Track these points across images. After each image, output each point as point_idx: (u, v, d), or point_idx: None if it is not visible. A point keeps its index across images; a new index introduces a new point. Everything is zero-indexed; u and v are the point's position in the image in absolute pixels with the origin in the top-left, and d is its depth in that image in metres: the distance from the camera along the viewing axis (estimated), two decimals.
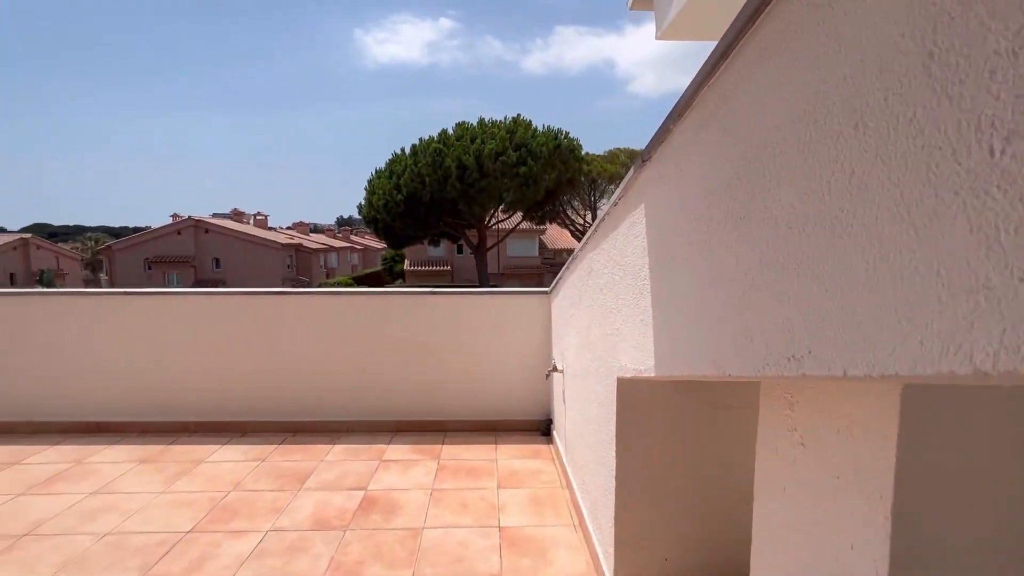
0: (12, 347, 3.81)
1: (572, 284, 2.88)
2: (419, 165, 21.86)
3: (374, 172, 23.78)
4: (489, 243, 25.89)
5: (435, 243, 27.45)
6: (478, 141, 21.71)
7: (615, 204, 1.92)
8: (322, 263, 42.29)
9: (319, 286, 33.68)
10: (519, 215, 25.86)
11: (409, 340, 3.87)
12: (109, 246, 39.01)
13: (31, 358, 3.81)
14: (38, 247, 40.38)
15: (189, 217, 37.21)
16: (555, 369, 3.27)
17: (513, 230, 27.59)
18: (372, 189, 23.55)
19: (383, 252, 46.44)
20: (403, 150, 23.15)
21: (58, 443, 3.57)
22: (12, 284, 36.54)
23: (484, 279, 26.23)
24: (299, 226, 50.90)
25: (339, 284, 33.26)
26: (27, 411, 3.81)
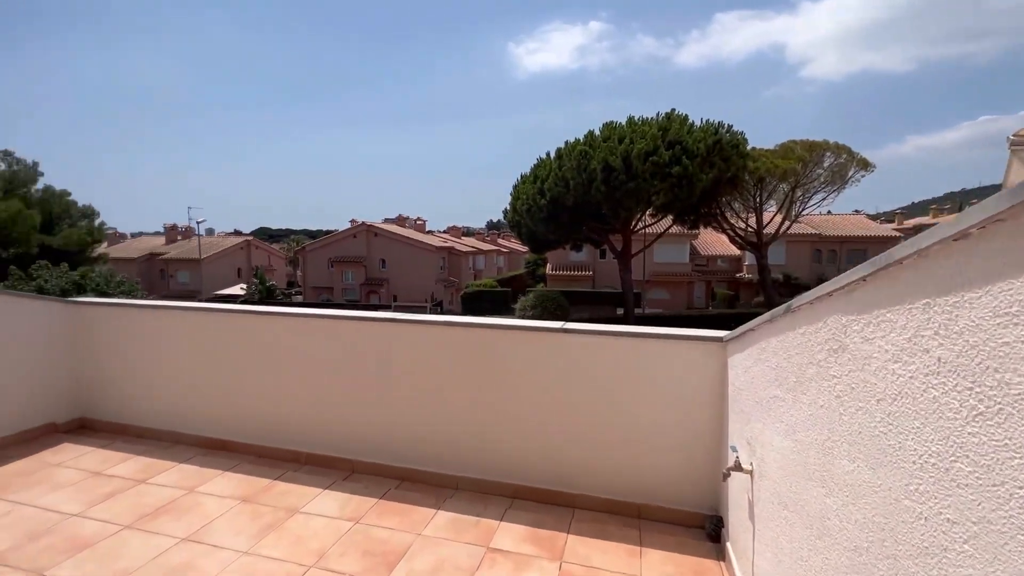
0: (160, 358, 3.98)
1: (781, 351, 1.78)
2: (563, 169, 21.22)
3: (519, 177, 23.83)
4: (635, 248, 24.17)
5: (577, 248, 26.65)
6: (626, 141, 20.28)
7: (956, 239, 0.85)
8: (470, 265, 44.47)
9: (466, 287, 35.30)
10: (669, 219, 23.66)
11: (535, 386, 3.09)
12: (304, 247, 46.13)
13: (175, 371, 3.93)
14: (256, 247, 49.66)
15: (363, 222, 42.07)
16: (738, 467, 2.17)
17: (661, 235, 25.41)
18: (517, 194, 23.63)
19: (526, 256, 47.15)
20: (548, 154, 22.76)
21: (186, 460, 3.57)
22: (238, 277, 45.43)
23: (627, 287, 24.58)
24: (453, 230, 54.36)
25: (484, 286, 34.45)
26: (172, 421, 3.94)
